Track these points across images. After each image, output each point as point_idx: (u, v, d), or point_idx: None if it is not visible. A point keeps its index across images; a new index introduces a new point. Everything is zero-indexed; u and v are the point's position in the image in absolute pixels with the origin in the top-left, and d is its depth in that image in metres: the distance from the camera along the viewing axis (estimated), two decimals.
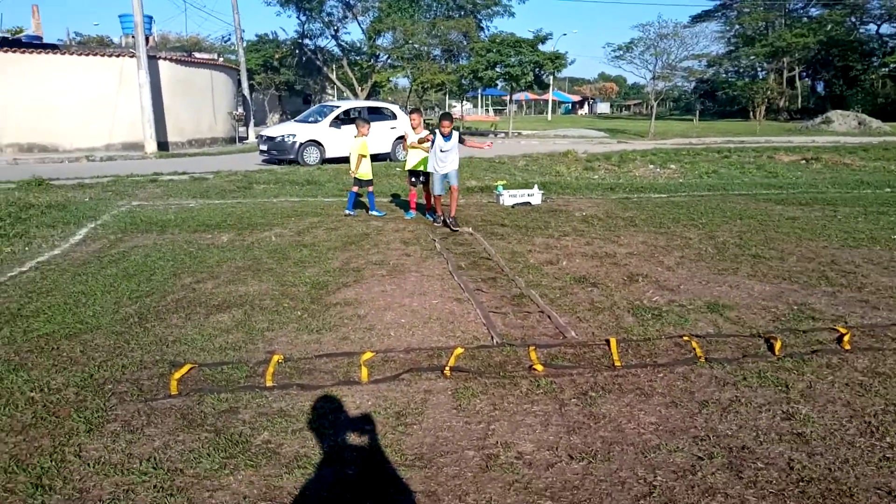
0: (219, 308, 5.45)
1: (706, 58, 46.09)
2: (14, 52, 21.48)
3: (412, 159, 9.65)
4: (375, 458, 3.26)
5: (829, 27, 52.19)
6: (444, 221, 8.86)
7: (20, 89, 21.03)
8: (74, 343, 4.66)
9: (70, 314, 5.25)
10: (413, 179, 9.83)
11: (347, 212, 9.81)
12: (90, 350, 4.54)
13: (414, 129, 9.62)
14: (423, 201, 10.08)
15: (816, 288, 6.08)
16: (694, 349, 4.55)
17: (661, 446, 3.34)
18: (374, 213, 9.90)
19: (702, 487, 3.00)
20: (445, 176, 8.75)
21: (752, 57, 55.55)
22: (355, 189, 9.96)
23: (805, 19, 56.50)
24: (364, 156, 9.71)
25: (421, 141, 9.21)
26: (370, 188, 10.03)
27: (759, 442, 3.39)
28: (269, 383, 4.03)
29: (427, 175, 9.51)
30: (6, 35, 25.28)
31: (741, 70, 60.82)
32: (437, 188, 8.81)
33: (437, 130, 8.69)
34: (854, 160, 18.72)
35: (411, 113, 10.28)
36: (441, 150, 8.62)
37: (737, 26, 59.54)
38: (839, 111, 42.24)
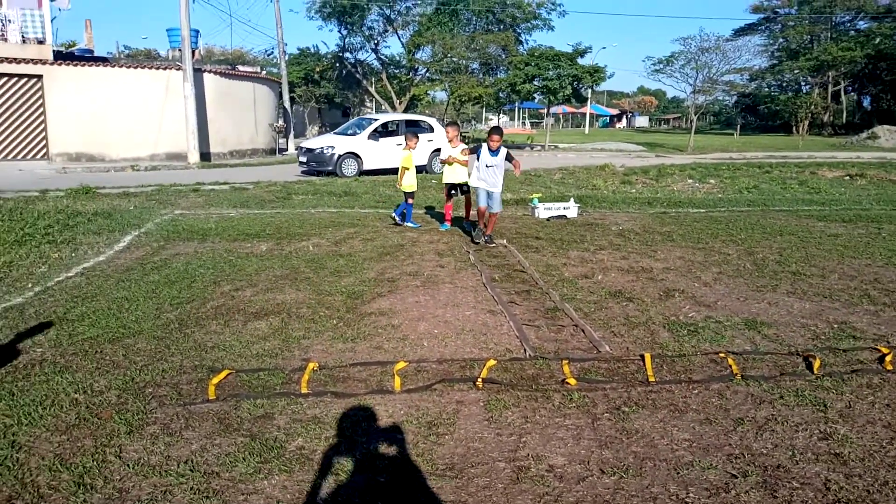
0: (256, 315, 5.55)
1: (748, 71, 45.50)
2: (67, 64, 22.21)
3: (449, 173, 9.66)
4: (406, 466, 3.29)
5: (877, 40, 51.06)
6: (483, 236, 8.49)
7: (71, 100, 21.73)
8: (117, 347, 4.79)
9: (113, 319, 5.40)
10: (452, 192, 9.79)
11: (409, 224, 9.94)
12: (132, 354, 4.67)
13: (449, 142, 9.64)
14: (461, 213, 10.11)
15: (858, 306, 5.95)
16: (730, 366, 4.49)
17: (694, 463, 3.31)
18: (409, 224, 9.96)
19: None
20: (489, 196, 8.39)
21: (795, 71, 54.65)
22: (410, 201, 10.03)
23: (852, 32, 55.40)
24: (407, 168, 9.82)
25: (456, 156, 9.28)
26: (410, 200, 10.07)
27: (795, 461, 3.33)
28: (304, 390, 4.10)
29: (463, 187, 9.56)
30: (60, 49, 26.19)
31: (784, 84, 59.85)
32: (481, 200, 8.43)
33: (483, 144, 8.40)
34: None
35: (447, 126, 10.20)
36: (487, 166, 8.26)
37: (781, 40, 58.65)
38: (886, 126, 41.27)
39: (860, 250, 8.29)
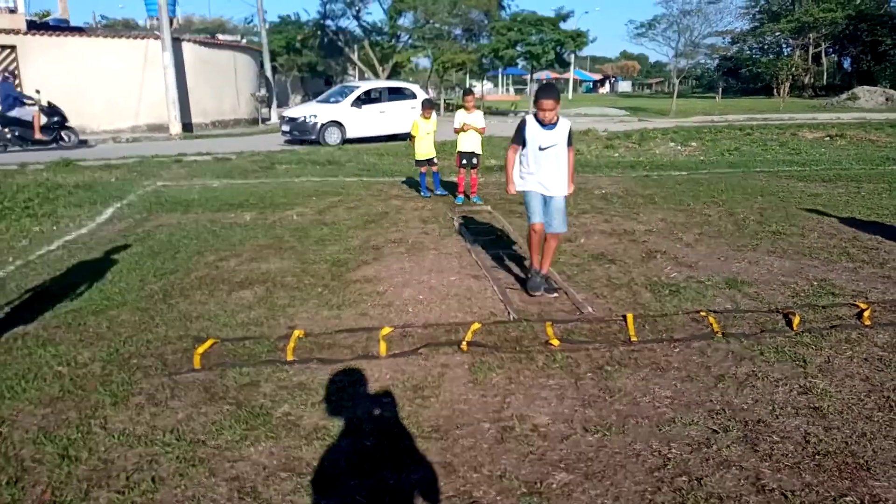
0: (241, 285, 5.53)
1: (730, 34, 45.41)
2: (41, 35, 21.68)
3: (464, 141, 9.02)
4: (393, 429, 3.32)
5: (858, 1, 50.91)
6: (539, 279, 5.32)
7: (47, 72, 21.25)
8: (101, 319, 4.77)
9: (96, 291, 5.36)
10: (464, 162, 9.09)
11: (439, 192, 9.72)
12: (116, 326, 4.65)
13: (468, 110, 8.99)
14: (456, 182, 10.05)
15: (837, 264, 6.02)
16: (711, 324, 4.54)
17: (676, 419, 3.36)
18: (433, 193, 9.73)
19: (717, 460, 3.02)
20: (549, 205, 5.20)
21: (777, 33, 54.48)
22: (423, 170, 9.72)
23: None
24: (414, 136, 9.50)
25: (472, 123, 8.83)
26: (423, 169, 9.72)
27: (775, 416, 3.39)
28: (289, 358, 4.11)
29: (474, 159, 9.01)
30: (34, 18, 25.59)
31: (766, 47, 59.67)
32: (535, 212, 5.22)
33: (528, 117, 5.21)
34: (880, 136, 18.36)
35: (465, 95, 9.28)
36: (540, 149, 5.10)
37: (762, 2, 58.32)
38: (866, 87, 41.38)
39: (840, 209, 8.35)
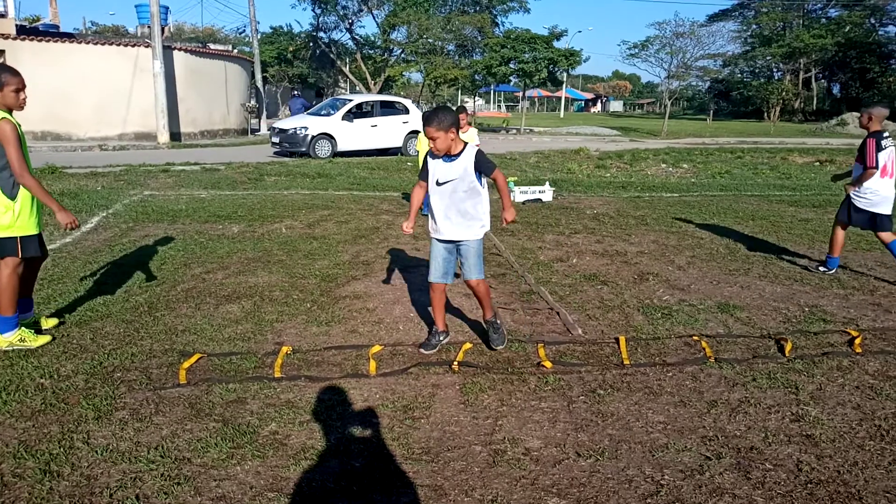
0: (228, 299, 5.46)
1: (722, 57, 45.91)
2: (31, 40, 21.60)
3: None
4: (382, 451, 3.26)
5: (847, 28, 51.72)
6: (434, 339, 4.56)
7: (36, 77, 20.99)
8: (84, 330, 4.68)
9: (80, 302, 5.27)
10: None
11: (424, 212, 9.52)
12: (100, 338, 4.57)
13: (461, 128, 8.85)
14: None
15: (828, 290, 6.03)
16: (703, 349, 4.52)
17: (669, 445, 3.33)
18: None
19: (709, 487, 2.98)
20: (457, 253, 4.50)
21: (768, 57, 55.16)
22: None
23: (823, 20, 56.02)
24: (419, 151, 9.30)
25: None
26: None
27: (768, 443, 3.36)
28: (277, 374, 4.04)
29: None
30: (24, 23, 25.45)
31: (757, 70, 60.41)
32: (432, 270, 4.54)
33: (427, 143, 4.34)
34: None
35: (458, 112, 9.16)
36: (438, 184, 4.34)
37: (754, 26, 59.13)
38: (855, 113, 41.71)
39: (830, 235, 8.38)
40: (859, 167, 6.33)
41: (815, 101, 57.19)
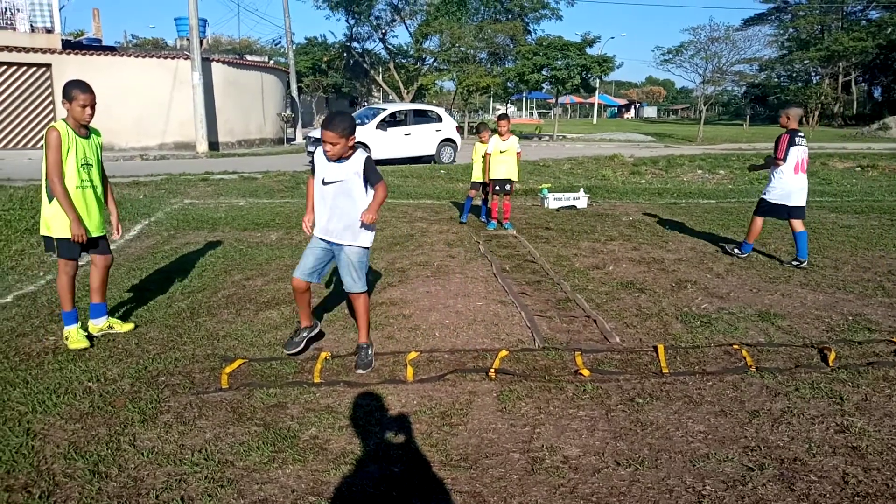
0: (268, 305, 5.55)
1: (758, 62, 45.11)
2: (75, 54, 22.21)
3: (497, 167, 8.73)
4: (420, 456, 3.28)
5: (889, 30, 50.51)
6: (297, 337, 4.52)
7: None
8: (129, 336, 4.80)
9: (125, 308, 5.40)
10: (497, 188, 8.85)
11: (462, 219, 9.48)
12: (144, 343, 4.67)
13: (502, 136, 8.71)
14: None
15: (872, 298, 5.90)
16: (744, 358, 4.46)
17: (710, 455, 3.29)
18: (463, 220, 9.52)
19: (752, 498, 2.94)
20: (336, 255, 4.39)
21: (805, 61, 54.12)
22: (471, 193, 9.48)
23: (864, 22, 54.82)
24: (474, 160, 9.29)
25: (507, 148, 8.66)
26: (471, 192, 9.47)
27: (812, 454, 3.30)
28: (316, 380, 4.09)
29: (507, 186, 8.83)
30: (69, 38, 26.19)
31: (794, 74, 59.28)
32: (300, 266, 4.40)
33: (321, 147, 4.23)
34: None
35: (500, 119, 8.90)
36: (324, 183, 4.27)
37: (791, 30, 58.11)
38: None
39: (873, 242, 8.22)
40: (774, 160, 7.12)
41: (855, 105, 55.99)
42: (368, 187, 4.23)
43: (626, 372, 4.29)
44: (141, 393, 3.89)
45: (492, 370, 4.23)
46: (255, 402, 3.80)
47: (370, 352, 4.40)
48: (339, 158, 4.15)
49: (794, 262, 7.06)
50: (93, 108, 4.46)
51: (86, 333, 4.64)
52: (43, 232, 4.51)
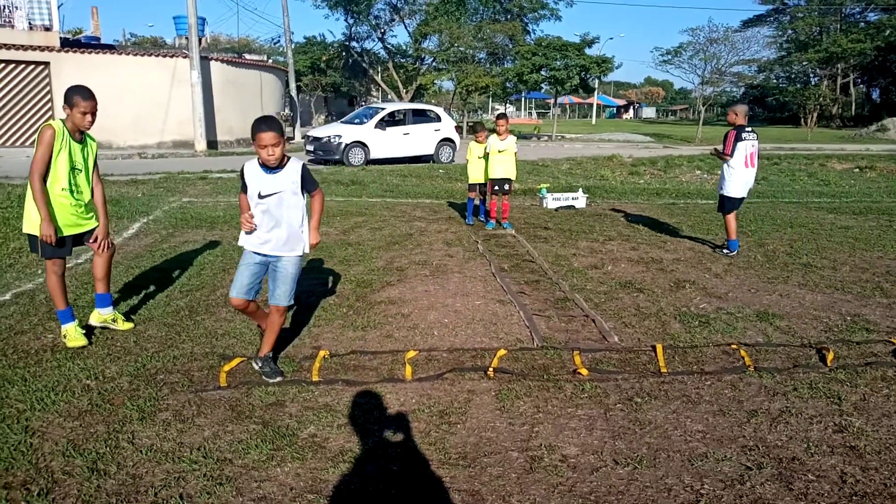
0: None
1: (757, 63, 45.16)
2: (74, 52, 22.18)
3: (497, 167, 8.69)
4: (419, 455, 3.28)
5: (887, 32, 50.58)
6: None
7: None
8: (128, 333, 4.79)
9: (123, 305, 5.40)
10: (496, 188, 8.82)
11: (468, 222, 9.40)
12: (143, 341, 4.67)
13: (500, 135, 8.66)
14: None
15: (871, 299, 5.91)
16: (742, 358, 4.46)
17: (708, 454, 3.29)
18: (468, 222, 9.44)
19: (750, 498, 2.94)
20: (273, 268, 4.22)
21: (804, 62, 54.20)
22: (471, 195, 9.42)
23: (862, 24, 54.90)
24: (469, 160, 9.25)
25: (505, 148, 8.63)
26: (471, 193, 9.41)
27: (811, 454, 3.31)
28: (315, 378, 4.09)
29: (505, 185, 8.78)
30: (67, 36, 26.15)
31: (793, 76, 59.38)
32: (236, 285, 4.19)
33: (249, 161, 4.17)
34: None
35: (497, 119, 8.86)
36: (260, 196, 4.07)
37: (789, 31, 58.20)
38: (895, 119, 40.97)
39: (871, 242, 8.24)
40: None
41: (853, 107, 56.06)
42: (305, 195, 4.14)
43: (624, 371, 4.30)
44: (140, 391, 3.88)
45: (490, 369, 4.23)
46: (254, 401, 3.80)
47: (274, 363, 4.23)
48: (275, 168, 4.00)
49: (723, 250, 7.66)
50: (93, 115, 4.42)
51: (84, 331, 4.63)
52: (27, 230, 4.44)
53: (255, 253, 4.13)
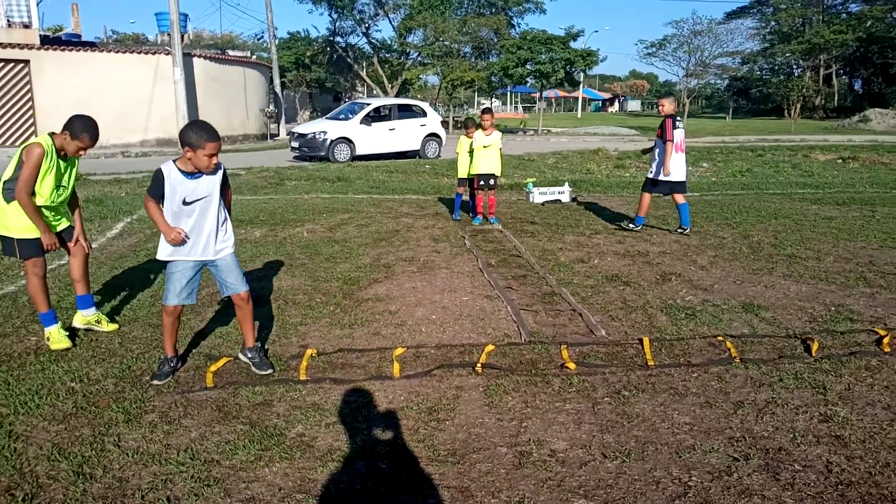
0: (253, 302, 5.50)
1: (740, 55, 45.54)
2: (54, 49, 21.91)
3: (482, 162, 8.69)
4: (408, 452, 3.28)
5: (869, 23, 51.01)
6: (167, 367, 4.14)
7: (59, 86, 21.47)
8: (112, 335, 4.75)
9: (108, 306, 5.35)
10: (482, 183, 8.80)
11: (455, 217, 9.40)
12: (128, 342, 4.63)
13: (485, 130, 8.67)
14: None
15: (854, 289, 5.96)
16: (728, 349, 4.49)
17: (695, 446, 3.31)
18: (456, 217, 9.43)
19: (738, 489, 2.96)
20: (216, 267, 4.16)
21: (787, 54, 54.55)
22: (459, 190, 9.41)
23: (844, 15, 55.31)
24: (458, 153, 9.20)
25: (491, 143, 8.61)
26: (459, 189, 9.42)
27: (797, 444, 3.34)
28: (302, 377, 4.08)
29: (491, 180, 8.77)
30: (47, 33, 25.83)
31: (776, 67, 59.77)
32: (173, 293, 4.04)
33: (165, 165, 3.92)
34: (893, 160, 18.31)
35: (483, 113, 8.81)
36: (185, 203, 3.94)
37: (772, 23, 58.56)
38: (877, 109, 41.37)
39: (855, 233, 8.30)
40: (660, 142, 8.11)
41: (836, 98, 56.55)
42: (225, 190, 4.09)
43: (611, 365, 4.31)
44: (125, 393, 3.85)
45: (478, 365, 4.23)
46: (241, 401, 3.78)
47: (263, 353, 4.31)
48: (193, 174, 3.86)
49: (679, 230, 8.26)
50: (86, 150, 4.46)
51: (67, 333, 4.59)
52: (1, 232, 4.38)
53: (186, 260, 4.00)
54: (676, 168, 8.11)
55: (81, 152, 4.42)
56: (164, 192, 3.84)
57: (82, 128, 4.33)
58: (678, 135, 8.06)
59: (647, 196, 8.36)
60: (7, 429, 3.41)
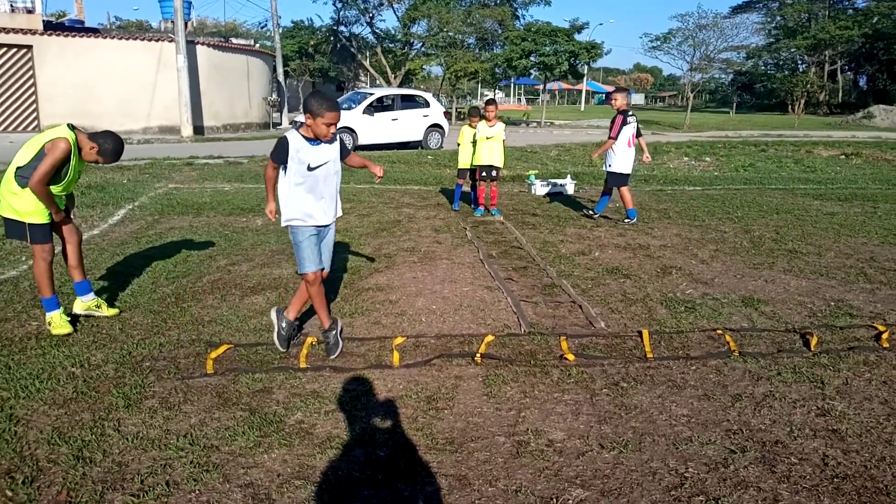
0: (253, 290, 5.52)
1: (745, 49, 45.30)
2: (57, 35, 21.86)
3: (485, 153, 8.60)
4: (406, 440, 3.29)
5: (875, 19, 50.76)
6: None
7: (62, 72, 21.44)
8: (113, 321, 4.77)
9: (109, 293, 5.36)
10: (483, 174, 8.75)
11: (454, 207, 9.40)
12: (129, 328, 4.65)
13: (489, 121, 8.60)
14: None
15: (854, 285, 5.97)
16: (727, 343, 4.50)
17: (693, 438, 3.32)
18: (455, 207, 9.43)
19: (734, 481, 2.98)
20: (322, 236, 4.40)
21: (792, 49, 54.37)
22: (459, 181, 9.39)
23: (850, 11, 55.06)
24: (460, 143, 9.19)
25: (494, 134, 8.55)
26: (459, 180, 9.41)
27: (793, 437, 3.35)
28: (302, 365, 4.09)
29: (493, 172, 8.70)
30: (50, 19, 25.79)
31: (781, 62, 59.55)
32: (310, 260, 4.23)
33: (290, 133, 4.12)
34: None
35: (487, 104, 8.71)
36: (310, 168, 4.13)
37: (778, 18, 58.31)
38: (882, 106, 41.24)
39: (856, 229, 8.30)
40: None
41: (840, 94, 56.33)
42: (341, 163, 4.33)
43: (610, 357, 4.32)
44: (125, 378, 3.87)
45: (478, 355, 4.24)
46: (241, 387, 3.79)
47: (339, 326, 4.42)
48: (315, 140, 4.08)
49: (587, 212, 8.86)
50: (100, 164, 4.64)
51: (69, 318, 4.60)
52: (9, 215, 4.42)
53: (311, 226, 4.20)
54: (623, 161, 8.37)
55: (97, 159, 4.52)
56: (286, 159, 4.06)
57: (112, 152, 4.53)
58: (627, 130, 8.30)
59: (625, 190, 8.54)
60: (7, 412, 3.43)
